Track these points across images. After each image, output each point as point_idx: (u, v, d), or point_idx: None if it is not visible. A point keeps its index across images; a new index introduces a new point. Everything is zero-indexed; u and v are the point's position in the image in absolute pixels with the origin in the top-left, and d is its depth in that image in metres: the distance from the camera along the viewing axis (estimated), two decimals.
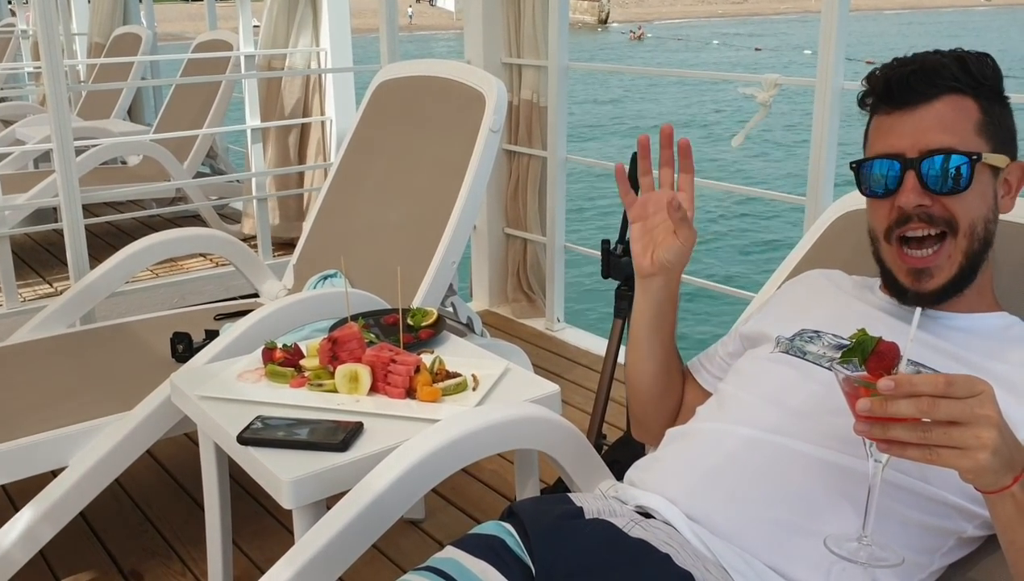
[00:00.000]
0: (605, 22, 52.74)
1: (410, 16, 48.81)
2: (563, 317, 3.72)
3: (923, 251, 1.19)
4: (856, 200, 1.65)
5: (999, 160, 1.20)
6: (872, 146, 1.24)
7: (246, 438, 1.49)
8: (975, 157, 1.16)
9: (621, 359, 2.18)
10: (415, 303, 2.20)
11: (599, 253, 2.09)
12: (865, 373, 0.97)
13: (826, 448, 1.15)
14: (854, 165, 1.26)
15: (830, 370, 1.17)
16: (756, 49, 36.53)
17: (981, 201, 1.19)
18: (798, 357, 1.27)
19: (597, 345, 3.43)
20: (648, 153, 1.29)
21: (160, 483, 2.50)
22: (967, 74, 1.18)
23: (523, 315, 3.80)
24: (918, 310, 1.02)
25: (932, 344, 1.20)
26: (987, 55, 1.21)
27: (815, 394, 1.20)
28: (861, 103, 1.27)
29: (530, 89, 3.57)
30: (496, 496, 2.40)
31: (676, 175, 1.29)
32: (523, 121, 3.62)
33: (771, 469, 1.17)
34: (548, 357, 3.40)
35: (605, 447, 2.30)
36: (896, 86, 1.19)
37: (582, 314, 5.74)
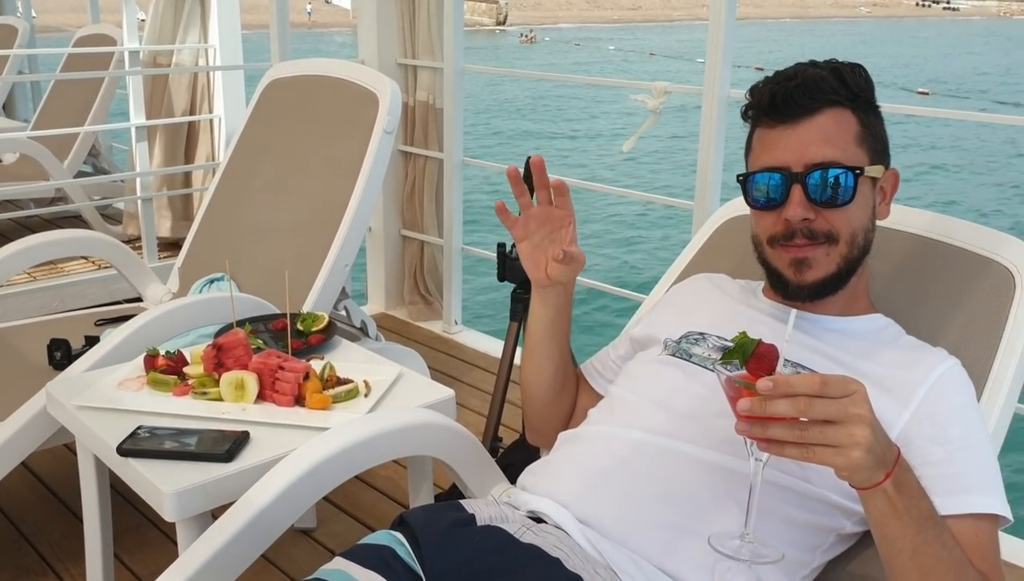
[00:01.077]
0: (503, 24, 53.01)
1: (309, 13, 48.10)
2: (460, 319, 3.72)
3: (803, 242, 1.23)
4: (742, 205, 1.69)
5: (877, 171, 1.24)
6: (757, 158, 1.27)
7: (126, 449, 1.43)
8: (858, 171, 1.20)
9: (517, 361, 2.19)
10: (306, 307, 2.16)
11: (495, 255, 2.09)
12: (746, 373, 0.99)
13: (712, 450, 1.18)
14: (741, 178, 1.29)
15: (714, 372, 1.21)
16: (650, 55, 37.26)
17: (862, 212, 1.23)
18: (684, 359, 1.30)
19: (495, 347, 3.44)
20: (519, 180, 1.28)
21: (36, 497, 2.39)
22: (845, 87, 1.22)
23: (420, 318, 3.77)
24: (793, 312, 1.05)
25: (809, 345, 1.24)
26: (859, 65, 1.26)
27: (701, 397, 1.22)
28: (744, 115, 1.30)
29: (426, 90, 3.56)
30: (390, 503, 2.38)
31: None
32: (419, 122, 3.60)
33: (659, 471, 1.19)
34: (445, 360, 3.39)
35: (501, 450, 2.30)
36: (780, 101, 1.22)
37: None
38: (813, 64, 1.25)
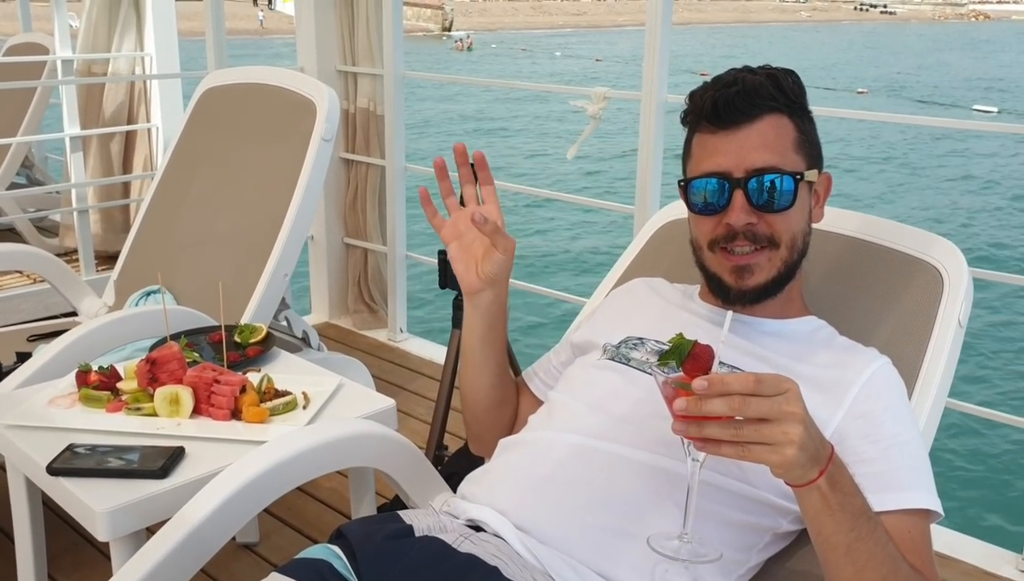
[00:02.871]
0: (449, 30, 53.05)
1: (261, 20, 47.75)
2: (406, 327, 3.69)
3: (744, 249, 1.24)
4: (678, 210, 1.71)
5: (813, 175, 1.26)
6: (697, 164, 1.27)
7: (56, 468, 1.40)
8: (799, 176, 1.22)
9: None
10: (245, 318, 2.13)
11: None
12: (682, 374, 1.00)
13: (650, 452, 1.18)
14: (682, 183, 1.29)
15: (651, 374, 1.21)
16: (596, 60, 37.56)
17: (801, 216, 1.25)
18: (623, 364, 1.30)
19: (440, 355, 3.41)
20: (446, 174, 1.28)
21: None
22: (782, 93, 1.23)
23: (365, 327, 3.74)
24: (729, 313, 1.06)
25: (744, 348, 1.25)
26: (792, 72, 1.27)
27: (639, 400, 1.22)
28: (684, 120, 1.31)
29: (366, 97, 3.54)
30: (334, 515, 2.35)
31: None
32: (360, 129, 3.58)
33: (597, 475, 1.19)
34: (391, 369, 3.37)
35: (446, 458, 2.29)
36: (722, 107, 1.22)
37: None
38: (749, 70, 1.26)
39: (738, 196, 1.21)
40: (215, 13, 3.20)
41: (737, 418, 0.92)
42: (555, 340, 1.59)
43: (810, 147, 1.26)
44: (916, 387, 1.33)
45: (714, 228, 1.25)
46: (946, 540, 2.28)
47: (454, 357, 2.26)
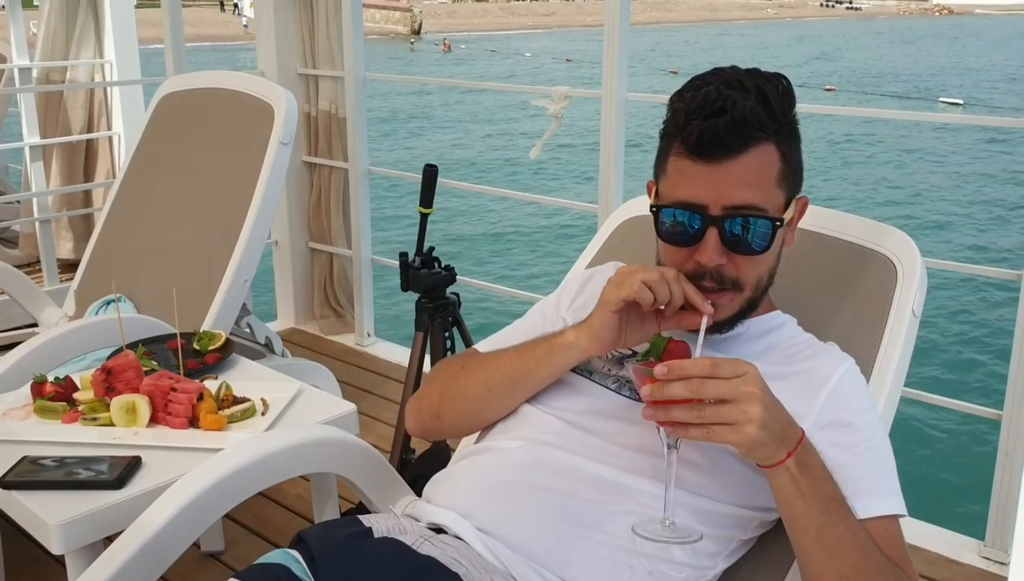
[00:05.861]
0: (418, 33, 52.99)
1: (245, 26, 47.51)
2: (373, 331, 3.68)
3: (709, 287, 1.16)
4: (638, 206, 1.71)
5: (792, 210, 1.19)
6: (673, 187, 1.16)
7: (9, 481, 1.39)
8: (778, 222, 1.15)
9: (426, 369, 2.17)
10: (205, 325, 2.11)
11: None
12: (649, 360, 1.04)
13: (609, 463, 1.18)
14: (654, 209, 1.20)
15: (617, 392, 1.23)
16: (567, 60, 37.66)
17: (772, 257, 1.19)
18: (585, 377, 1.28)
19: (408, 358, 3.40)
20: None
21: None
22: (773, 118, 1.13)
23: (332, 331, 3.72)
24: (704, 319, 1.09)
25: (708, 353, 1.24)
26: (782, 79, 1.16)
27: (599, 411, 1.22)
28: (663, 135, 1.19)
29: (328, 100, 3.52)
30: (301, 521, 2.33)
31: None
32: (322, 132, 3.56)
33: (560, 480, 1.18)
34: (358, 373, 3.35)
35: (414, 460, 2.28)
36: (708, 142, 1.11)
37: None
38: (739, 85, 1.12)
39: (711, 234, 1.13)
40: (173, 19, 3.16)
41: (705, 401, 0.95)
42: None
43: (793, 176, 1.18)
44: (872, 378, 1.33)
45: (683, 262, 1.16)
46: (910, 529, 2.27)
47: (418, 359, 2.26)
